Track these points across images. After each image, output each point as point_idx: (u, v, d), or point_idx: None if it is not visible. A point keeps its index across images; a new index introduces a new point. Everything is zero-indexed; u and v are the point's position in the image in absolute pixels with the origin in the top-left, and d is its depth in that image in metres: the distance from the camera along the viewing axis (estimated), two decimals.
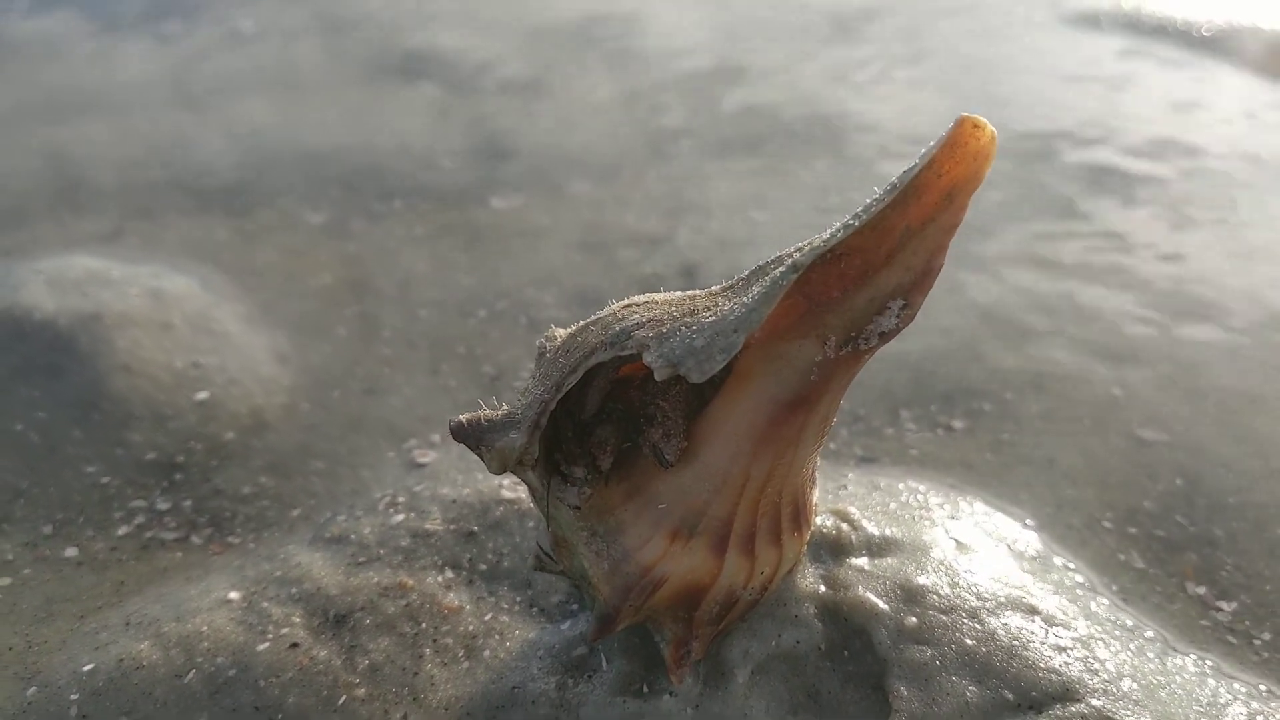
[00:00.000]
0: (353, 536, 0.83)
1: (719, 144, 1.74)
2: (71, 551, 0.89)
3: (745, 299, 0.55)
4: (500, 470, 0.62)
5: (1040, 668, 0.66)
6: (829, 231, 0.54)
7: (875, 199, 0.53)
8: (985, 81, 2.03)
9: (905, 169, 0.52)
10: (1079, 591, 0.78)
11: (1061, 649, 0.68)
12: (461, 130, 1.83)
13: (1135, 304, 1.23)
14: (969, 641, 0.68)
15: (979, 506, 0.87)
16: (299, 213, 1.53)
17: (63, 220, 1.53)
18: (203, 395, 1.07)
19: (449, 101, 1.99)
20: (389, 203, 1.55)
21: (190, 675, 0.70)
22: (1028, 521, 0.87)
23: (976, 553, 0.77)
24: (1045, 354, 1.13)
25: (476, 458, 0.95)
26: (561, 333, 0.65)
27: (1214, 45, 2.15)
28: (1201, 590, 0.83)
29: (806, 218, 1.47)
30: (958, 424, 1.02)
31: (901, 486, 0.87)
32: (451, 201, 1.55)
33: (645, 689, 0.69)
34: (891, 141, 1.72)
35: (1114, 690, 0.66)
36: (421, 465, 0.97)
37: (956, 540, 0.78)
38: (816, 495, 0.71)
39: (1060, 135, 1.74)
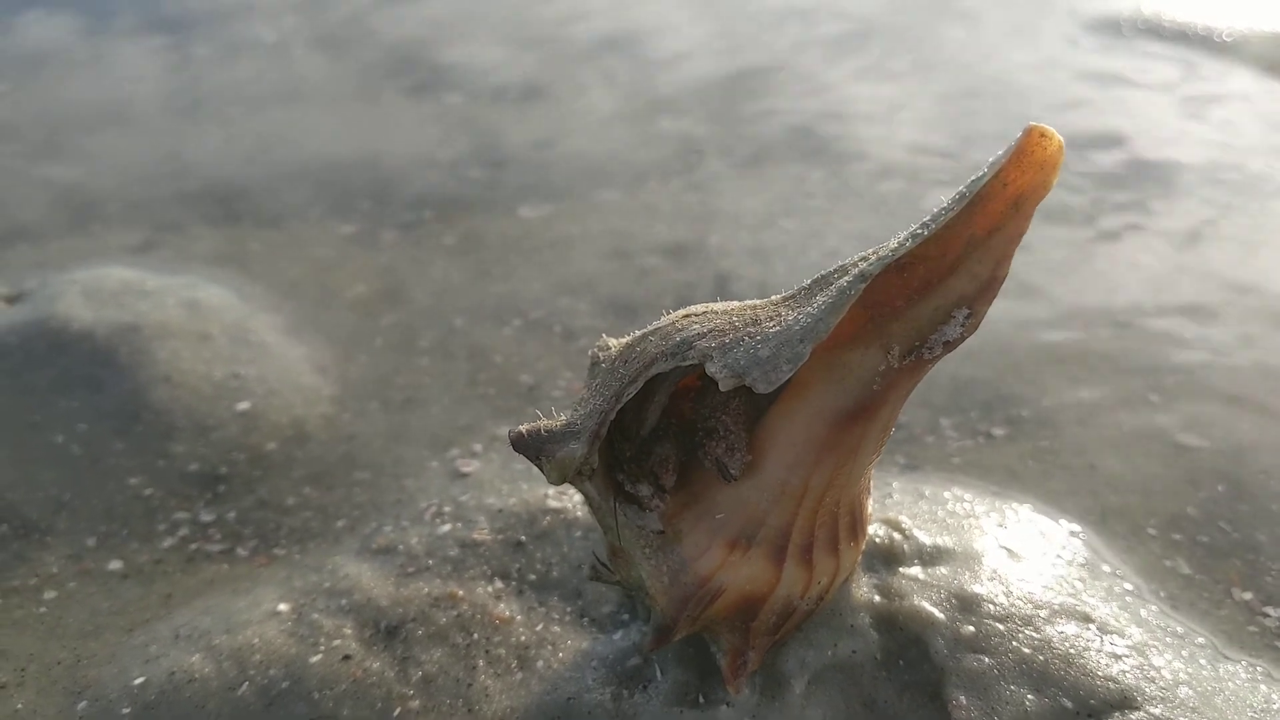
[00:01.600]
0: (400, 547, 0.83)
1: (746, 153, 1.74)
2: (116, 564, 0.89)
3: (811, 309, 0.55)
4: (560, 481, 0.62)
5: (1098, 676, 0.66)
6: (896, 240, 0.54)
7: (943, 208, 0.53)
8: (1010, 88, 2.03)
9: (973, 178, 0.52)
10: (1128, 598, 0.78)
11: (1117, 657, 0.68)
12: (488, 140, 1.84)
13: (1168, 309, 1.23)
14: (1026, 650, 0.68)
15: (1024, 513, 0.87)
16: (329, 224, 1.54)
17: (92, 232, 1.53)
18: (244, 406, 1.08)
19: (474, 112, 1.99)
20: (418, 213, 1.55)
21: (244, 688, 0.70)
22: (1074, 529, 0.87)
23: (1027, 560, 0.77)
24: (1081, 360, 1.13)
25: (520, 467, 0.95)
26: (614, 342, 0.65)
27: (1235, 50, 2.15)
28: (1248, 596, 0.83)
29: (836, 224, 1.47)
30: (998, 431, 1.02)
31: (947, 494, 0.87)
32: (480, 211, 1.56)
33: (701, 699, 0.69)
34: (915, 147, 1.72)
35: (1171, 698, 0.66)
36: (465, 475, 0.97)
37: (1007, 548, 0.78)
38: (871, 504, 0.71)
39: (1084, 140, 1.74)
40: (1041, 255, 1.37)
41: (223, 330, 1.20)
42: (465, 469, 0.98)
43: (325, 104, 2.08)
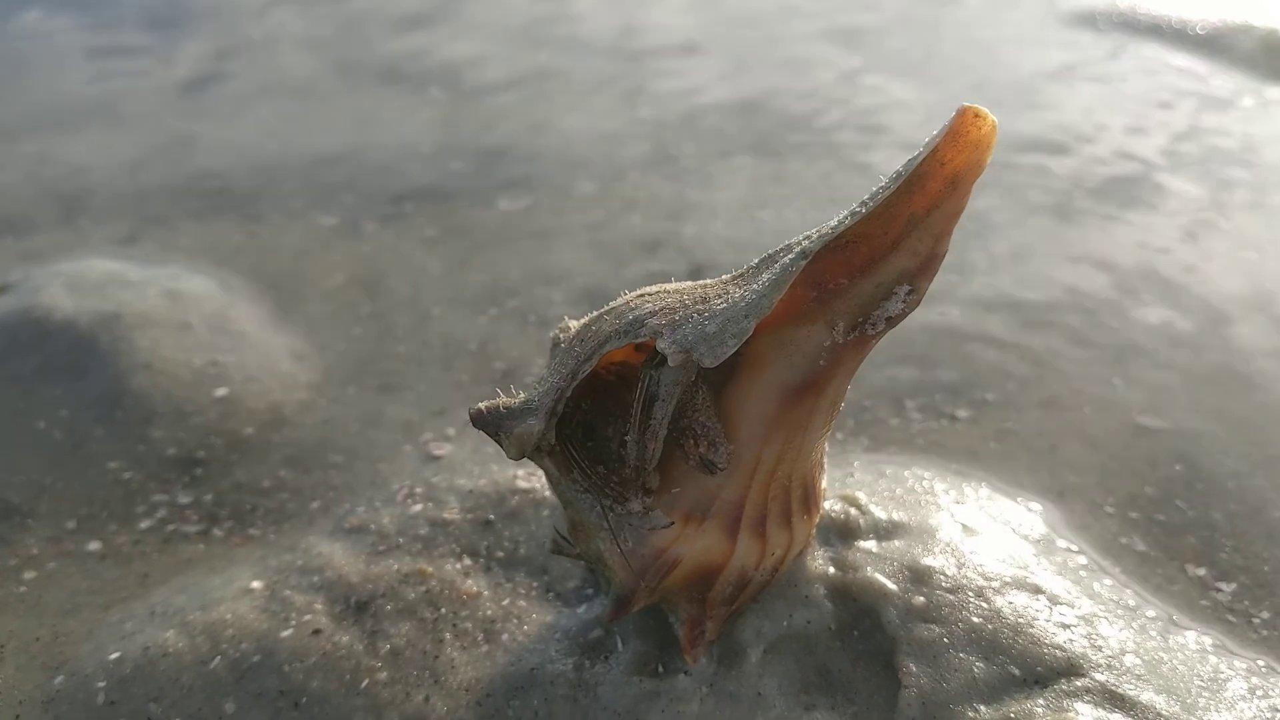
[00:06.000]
0: (372, 526, 0.85)
1: (721, 145, 1.76)
2: (95, 545, 0.91)
3: (756, 286, 0.57)
4: (519, 456, 0.63)
5: (1045, 644, 0.68)
6: (836, 219, 0.56)
7: (881, 187, 0.55)
8: (984, 80, 2.05)
9: (909, 158, 0.54)
10: (1082, 573, 0.80)
11: (1066, 626, 0.70)
12: (468, 133, 1.85)
13: (1134, 295, 1.25)
14: (976, 619, 0.70)
15: (983, 492, 0.89)
16: (311, 216, 1.55)
17: (78, 226, 1.55)
18: (222, 392, 1.10)
19: (455, 105, 2.01)
20: (399, 205, 1.57)
21: (216, 662, 0.72)
22: (1031, 506, 0.89)
23: (981, 535, 0.79)
24: (1046, 345, 1.15)
25: (491, 450, 0.97)
26: (574, 324, 0.67)
27: (1208, 43, 2.17)
28: (1201, 572, 0.85)
29: (810, 215, 1.49)
30: (962, 413, 1.04)
31: (907, 473, 0.89)
32: (460, 203, 1.57)
33: (661, 669, 0.71)
34: (891, 139, 1.74)
35: (1117, 665, 0.68)
36: (437, 458, 0.99)
37: (962, 524, 0.80)
38: (825, 481, 0.73)
39: (1058, 133, 1.76)
40: (1011, 242, 1.38)
41: (203, 319, 1.21)
42: (438, 452, 1.00)
43: (310, 98, 2.10)
